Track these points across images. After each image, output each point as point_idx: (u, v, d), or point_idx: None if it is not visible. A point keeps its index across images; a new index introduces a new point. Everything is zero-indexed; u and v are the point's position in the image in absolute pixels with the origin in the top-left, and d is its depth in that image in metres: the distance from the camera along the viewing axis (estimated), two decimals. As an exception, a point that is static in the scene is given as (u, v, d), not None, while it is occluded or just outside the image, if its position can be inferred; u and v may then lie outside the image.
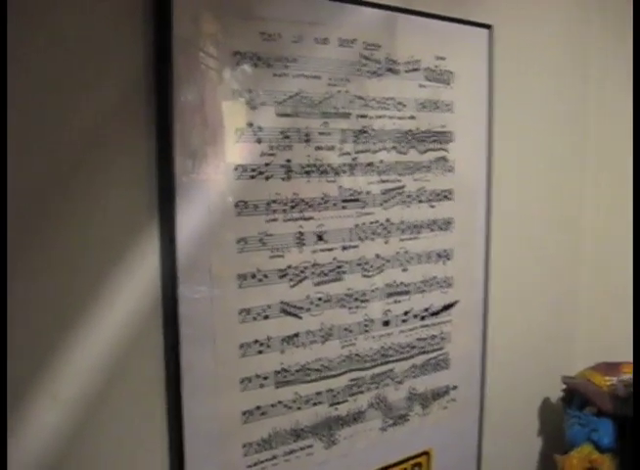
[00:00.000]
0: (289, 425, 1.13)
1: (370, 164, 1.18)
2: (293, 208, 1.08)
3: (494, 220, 1.42)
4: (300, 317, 1.12)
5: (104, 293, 0.93)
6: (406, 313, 1.28)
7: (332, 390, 1.18)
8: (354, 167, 1.16)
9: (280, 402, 1.11)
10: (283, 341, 1.10)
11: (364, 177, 1.17)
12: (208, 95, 0.98)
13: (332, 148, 1.12)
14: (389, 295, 1.24)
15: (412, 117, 1.24)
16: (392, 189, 1.22)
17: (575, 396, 1.48)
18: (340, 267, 1.16)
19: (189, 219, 0.98)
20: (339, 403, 1.19)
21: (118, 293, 0.95)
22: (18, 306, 0.85)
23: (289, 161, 1.07)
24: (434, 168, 1.28)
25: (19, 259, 0.84)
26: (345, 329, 1.18)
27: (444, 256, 1.33)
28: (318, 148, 1.10)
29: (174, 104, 0.94)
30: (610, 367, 1.49)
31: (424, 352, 1.32)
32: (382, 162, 1.20)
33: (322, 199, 1.12)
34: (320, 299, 1.14)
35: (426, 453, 1.36)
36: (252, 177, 1.04)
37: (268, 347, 1.08)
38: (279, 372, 1.10)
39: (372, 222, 1.19)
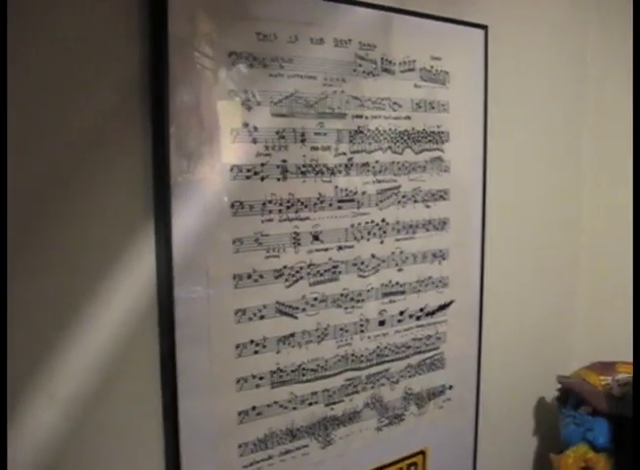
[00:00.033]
0: (284, 425, 1.13)
1: (365, 165, 1.18)
2: (288, 208, 1.08)
3: (490, 220, 1.42)
4: (296, 317, 1.12)
5: (100, 292, 0.93)
6: (402, 313, 1.28)
7: (327, 390, 1.18)
8: (350, 168, 1.16)
9: (276, 402, 1.11)
10: (279, 341, 1.10)
11: (360, 177, 1.17)
12: (204, 95, 0.98)
13: (327, 148, 1.12)
14: (385, 295, 1.25)
15: (408, 118, 1.24)
16: (388, 189, 1.22)
17: (571, 395, 1.49)
18: (335, 267, 1.16)
19: (185, 220, 0.98)
20: (334, 403, 1.20)
21: (115, 292, 0.94)
22: (16, 306, 0.85)
23: (284, 161, 1.07)
24: (429, 168, 1.28)
25: (15, 259, 0.84)
26: (341, 329, 1.19)
27: (440, 256, 1.33)
28: (314, 148, 1.10)
29: (170, 104, 0.94)
30: (605, 367, 1.49)
31: (419, 352, 1.32)
32: (377, 162, 1.20)
33: (318, 199, 1.12)
34: (316, 299, 1.14)
35: (421, 453, 1.36)
36: (248, 178, 1.04)
37: (264, 347, 1.08)
38: (275, 372, 1.10)
39: (367, 222, 1.20)
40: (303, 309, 1.13)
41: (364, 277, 1.21)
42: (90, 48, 0.89)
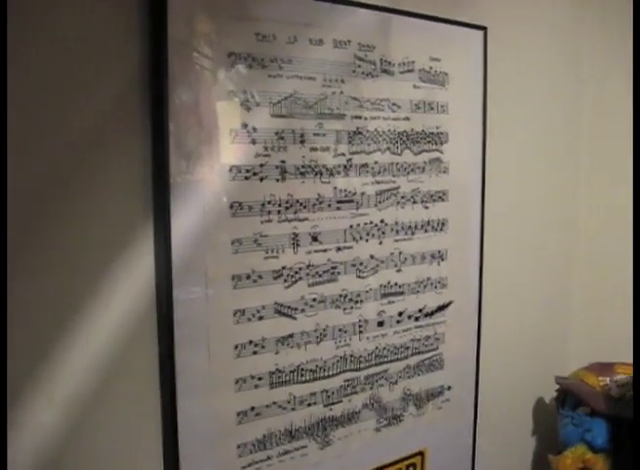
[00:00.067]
0: (283, 426, 1.13)
1: (364, 165, 1.18)
2: (287, 209, 1.08)
3: (488, 221, 1.42)
4: (295, 318, 1.12)
5: (99, 293, 0.93)
6: (400, 314, 1.28)
7: (326, 390, 1.18)
8: (349, 168, 1.16)
9: (274, 403, 1.11)
10: (277, 341, 1.10)
11: (359, 178, 1.17)
12: (203, 95, 0.98)
13: (326, 149, 1.12)
14: (384, 295, 1.25)
15: (407, 119, 1.24)
16: (387, 190, 1.22)
17: (569, 396, 1.49)
18: (334, 268, 1.16)
19: (184, 220, 0.98)
20: (333, 404, 1.20)
21: (114, 293, 0.94)
22: (15, 307, 0.85)
23: (283, 161, 1.07)
24: (428, 169, 1.28)
25: (14, 259, 0.84)
26: (340, 330, 1.19)
27: (439, 256, 1.33)
28: (313, 149, 1.11)
29: (169, 104, 0.94)
30: (603, 368, 1.50)
31: (418, 353, 1.32)
32: (376, 163, 1.20)
33: (317, 200, 1.12)
34: (314, 299, 1.14)
35: (420, 454, 1.36)
36: (247, 178, 1.04)
37: (263, 347, 1.08)
38: (273, 373, 1.10)
39: (366, 223, 1.20)
40: (302, 310, 1.13)
41: (363, 278, 1.21)
42: (90, 48, 0.89)
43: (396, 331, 1.28)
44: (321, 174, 1.12)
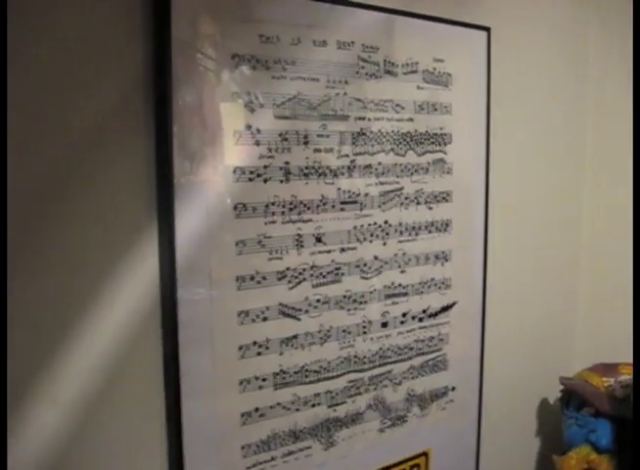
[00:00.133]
0: (287, 426, 1.13)
1: (368, 166, 1.18)
2: (291, 210, 1.09)
3: (492, 222, 1.42)
4: (299, 319, 1.12)
5: (103, 294, 0.93)
6: (404, 315, 1.28)
7: (330, 391, 1.18)
8: (353, 169, 1.16)
9: (279, 404, 1.11)
10: (281, 342, 1.10)
11: (362, 179, 1.17)
12: (207, 97, 0.98)
13: (330, 150, 1.12)
14: (388, 296, 1.25)
15: (410, 120, 1.24)
16: (391, 191, 1.22)
17: (573, 396, 1.49)
18: (338, 269, 1.16)
19: (188, 221, 0.98)
20: (337, 405, 1.20)
21: (118, 294, 0.95)
22: (16, 307, 0.85)
23: (287, 163, 1.07)
24: (432, 170, 1.28)
25: (17, 260, 0.84)
26: (344, 331, 1.19)
27: (442, 257, 1.33)
28: (316, 150, 1.11)
29: (173, 105, 0.94)
30: (607, 368, 1.49)
31: (422, 354, 1.32)
32: (380, 164, 1.20)
33: (320, 201, 1.12)
34: (318, 300, 1.14)
35: (424, 454, 1.36)
36: (251, 180, 1.04)
37: (267, 348, 1.09)
38: (278, 374, 1.11)
39: (370, 224, 1.20)
40: (306, 311, 1.13)
41: (367, 279, 1.21)
42: (91, 47, 0.89)
43: (400, 332, 1.28)
44: (325, 175, 1.12)
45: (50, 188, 0.88)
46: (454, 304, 1.36)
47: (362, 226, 1.19)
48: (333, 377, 1.18)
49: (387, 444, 1.29)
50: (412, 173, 1.25)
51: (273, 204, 1.06)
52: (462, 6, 1.32)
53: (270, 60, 1.04)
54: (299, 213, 1.10)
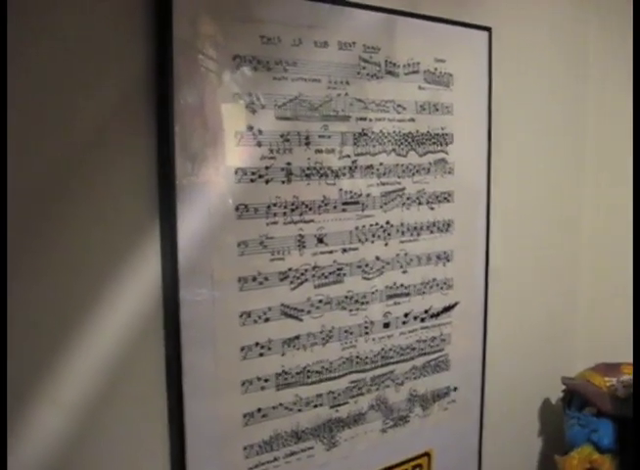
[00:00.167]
0: (289, 427, 1.13)
1: (370, 167, 1.18)
2: (293, 210, 1.09)
3: (494, 222, 1.42)
4: (301, 320, 1.12)
5: (105, 294, 0.93)
6: (406, 315, 1.28)
7: (332, 392, 1.18)
8: (354, 170, 1.16)
9: (281, 405, 1.11)
10: (284, 343, 1.10)
11: (364, 180, 1.17)
12: (208, 98, 0.98)
13: (332, 151, 1.12)
14: (390, 297, 1.25)
15: (412, 120, 1.24)
16: (392, 191, 1.22)
17: (575, 396, 1.49)
18: (340, 270, 1.16)
19: (190, 222, 0.98)
20: (339, 405, 1.20)
21: (120, 295, 0.95)
22: (18, 308, 0.85)
23: (289, 164, 1.07)
24: (433, 171, 1.28)
25: (18, 261, 0.84)
26: (346, 331, 1.19)
27: (444, 257, 1.33)
28: (318, 151, 1.11)
29: (174, 106, 0.94)
30: (609, 368, 1.49)
31: (424, 354, 1.32)
32: (381, 164, 1.20)
33: (322, 201, 1.12)
34: (320, 301, 1.14)
35: (426, 455, 1.36)
36: (253, 180, 1.04)
37: (269, 349, 1.09)
38: (280, 374, 1.11)
39: (372, 225, 1.20)
40: (308, 312, 1.13)
41: (369, 279, 1.21)
42: (91, 49, 0.89)
43: (402, 332, 1.28)
44: (326, 176, 1.12)
45: (50, 188, 0.88)
46: (456, 304, 1.36)
47: (364, 227, 1.19)
48: (335, 377, 1.18)
49: (389, 444, 1.29)
50: (413, 174, 1.25)
51: (275, 205, 1.06)
52: (463, 6, 1.32)
53: (271, 61, 1.04)
54: (301, 214, 1.10)
